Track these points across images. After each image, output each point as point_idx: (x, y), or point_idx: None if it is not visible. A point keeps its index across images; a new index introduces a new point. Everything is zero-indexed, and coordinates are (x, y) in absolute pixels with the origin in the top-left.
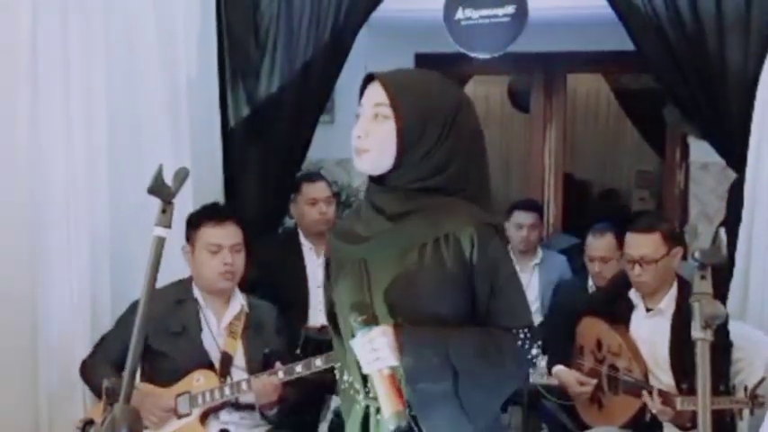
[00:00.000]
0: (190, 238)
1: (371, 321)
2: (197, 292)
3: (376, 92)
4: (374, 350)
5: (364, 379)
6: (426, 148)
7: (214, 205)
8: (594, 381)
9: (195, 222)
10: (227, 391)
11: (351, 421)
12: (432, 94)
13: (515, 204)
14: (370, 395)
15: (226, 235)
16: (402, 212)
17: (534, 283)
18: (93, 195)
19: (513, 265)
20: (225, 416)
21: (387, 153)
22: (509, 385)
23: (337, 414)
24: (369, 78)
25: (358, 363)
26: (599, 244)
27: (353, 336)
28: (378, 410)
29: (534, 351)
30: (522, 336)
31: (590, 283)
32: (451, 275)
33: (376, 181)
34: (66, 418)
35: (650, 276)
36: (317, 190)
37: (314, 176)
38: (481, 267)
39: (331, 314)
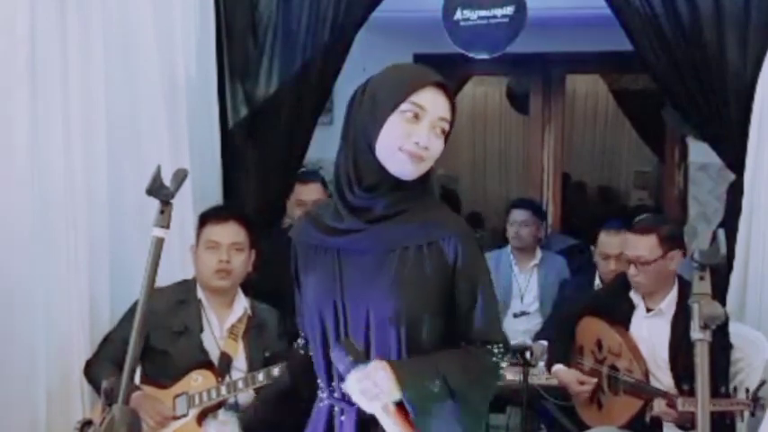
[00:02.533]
0: (197, 236)
1: (361, 359)
2: (201, 293)
3: (444, 105)
4: (375, 386)
5: (329, 377)
6: None
7: (222, 205)
8: (594, 380)
9: (201, 221)
10: (223, 390)
11: (312, 420)
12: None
13: (513, 203)
14: (335, 395)
15: (225, 233)
16: (383, 216)
17: (533, 283)
18: (92, 195)
19: (491, 275)
20: (223, 416)
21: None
22: (488, 400)
23: None
24: (422, 81)
25: (326, 363)
26: (614, 241)
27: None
28: (343, 412)
29: (504, 365)
30: (495, 351)
31: (597, 281)
32: (432, 282)
33: (358, 183)
34: (65, 419)
35: (644, 277)
36: (306, 192)
37: (308, 177)
38: (464, 275)
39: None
